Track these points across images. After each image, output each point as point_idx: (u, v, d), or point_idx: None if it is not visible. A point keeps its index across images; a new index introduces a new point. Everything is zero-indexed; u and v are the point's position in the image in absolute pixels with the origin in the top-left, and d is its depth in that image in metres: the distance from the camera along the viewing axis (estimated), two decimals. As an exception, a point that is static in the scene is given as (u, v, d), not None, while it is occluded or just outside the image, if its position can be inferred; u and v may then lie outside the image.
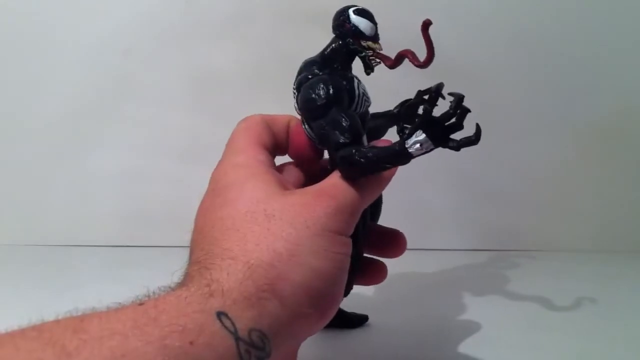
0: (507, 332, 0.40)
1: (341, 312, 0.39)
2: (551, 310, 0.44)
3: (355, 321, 0.40)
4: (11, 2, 0.60)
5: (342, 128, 0.28)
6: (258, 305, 0.24)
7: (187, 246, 0.28)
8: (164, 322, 0.21)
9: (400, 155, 0.26)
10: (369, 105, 0.32)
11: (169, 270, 0.27)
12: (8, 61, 0.61)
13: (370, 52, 0.30)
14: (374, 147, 0.27)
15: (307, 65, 0.31)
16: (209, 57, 0.59)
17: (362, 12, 0.30)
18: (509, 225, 0.63)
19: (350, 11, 0.30)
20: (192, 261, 0.26)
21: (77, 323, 0.21)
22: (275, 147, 0.32)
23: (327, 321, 0.27)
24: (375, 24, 0.30)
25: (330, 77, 0.30)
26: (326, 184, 0.28)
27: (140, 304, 0.22)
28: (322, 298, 0.26)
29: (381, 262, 0.36)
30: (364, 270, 0.34)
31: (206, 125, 0.59)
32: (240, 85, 0.59)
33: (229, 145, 0.31)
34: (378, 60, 0.30)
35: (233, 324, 0.23)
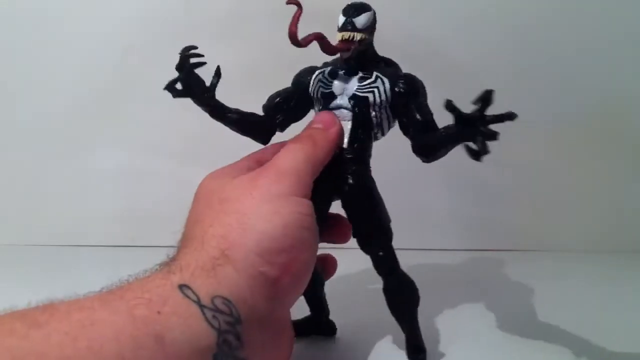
0: (506, 332, 0.40)
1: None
2: (551, 310, 0.44)
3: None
4: (11, 1, 0.60)
5: None
6: (215, 273, 0.25)
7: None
8: (130, 297, 0.23)
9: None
10: (327, 92, 0.34)
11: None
12: (8, 60, 0.61)
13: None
14: None
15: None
16: (208, 56, 0.58)
17: (345, 7, 0.33)
18: (509, 225, 0.63)
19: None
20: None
21: (47, 304, 0.22)
22: None
23: (296, 281, 0.28)
24: (345, 15, 0.32)
25: (308, 67, 0.35)
26: (270, 161, 0.31)
27: (108, 290, 0.24)
28: (275, 256, 0.27)
29: (345, 219, 0.36)
30: (331, 228, 0.35)
31: (206, 125, 0.59)
32: (240, 85, 0.58)
33: None
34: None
35: (195, 293, 0.24)
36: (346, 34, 0.32)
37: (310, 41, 0.31)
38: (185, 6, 0.59)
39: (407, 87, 0.34)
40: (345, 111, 0.33)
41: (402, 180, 0.57)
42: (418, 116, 0.33)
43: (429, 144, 0.33)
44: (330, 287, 0.40)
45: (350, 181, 0.33)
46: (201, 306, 0.24)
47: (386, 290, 0.35)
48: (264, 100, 0.36)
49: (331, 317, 0.40)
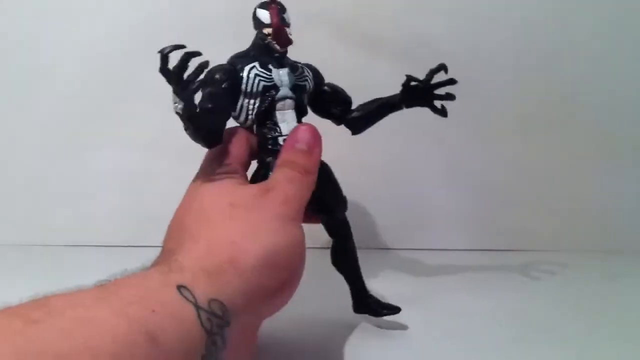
0: (507, 332, 0.40)
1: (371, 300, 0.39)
2: (551, 310, 0.44)
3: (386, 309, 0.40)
4: (11, 2, 0.60)
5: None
6: (217, 278, 0.26)
7: (160, 245, 0.30)
8: (124, 294, 0.23)
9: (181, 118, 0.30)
10: (269, 85, 0.35)
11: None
12: (8, 61, 0.61)
13: (270, 37, 0.35)
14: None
15: (231, 57, 0.36)
16: (209, 57, 0.59)
17: (263, 4, 0.35)
18: (509, 225, 0.63)
19: (256, 6, 0.36)
20: (163, 251, 0.29)
21: (41, 300, 0.22)
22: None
23: (284, 298, 0.30)
24: (274, 11, 0.34)
25: (216, 66, 0.34)
26: (272, 180, 0.32)
27: (102, 285, 0.24)
28: (278, 270, 0.28)
29: None
30: None
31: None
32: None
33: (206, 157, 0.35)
34: (274, 41, 0.35)
35: (192, 294, 0.24)
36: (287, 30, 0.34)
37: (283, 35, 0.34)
38: (185, 6, 0.59)
39: (317, 73, 0.38)
40: (289, 101, 0.35)
41: (404, 180, 0.57)
42: (337, 94, 0.38)
43: (366, 115, 0.38)
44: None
45: None
46: (197, 308, 0.24)
47: (343, 251, 0.39)
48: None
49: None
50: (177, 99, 0.29)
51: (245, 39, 0.60)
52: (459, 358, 0.36)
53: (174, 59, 0.28)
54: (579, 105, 0.61)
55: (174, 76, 0.29)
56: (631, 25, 0.60)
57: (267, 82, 0.35)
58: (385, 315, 0.39)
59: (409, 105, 0.38)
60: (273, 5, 0.35)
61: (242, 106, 0.35)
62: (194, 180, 0.34)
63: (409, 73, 0.37)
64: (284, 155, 0.33)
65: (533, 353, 0.37)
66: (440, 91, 0.37)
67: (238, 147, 0.35)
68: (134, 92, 0.61)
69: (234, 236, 0.28)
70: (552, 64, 0.60)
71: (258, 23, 0.35)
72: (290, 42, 0.35)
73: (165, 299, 0.24)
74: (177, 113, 0.30)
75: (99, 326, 0.21)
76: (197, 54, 0.29)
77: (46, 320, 0.21)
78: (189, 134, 0.32)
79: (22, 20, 0.60)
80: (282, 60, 0.35)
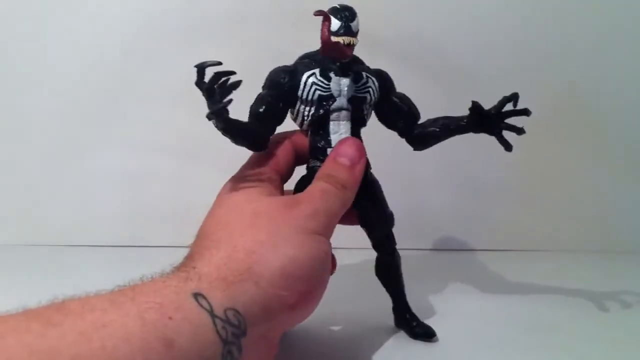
0: (507, 333, 0.40)
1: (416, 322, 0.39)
2: (551, 311, 0.44)
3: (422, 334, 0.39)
4: (11, 2, 0.60)
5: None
6: (234, 286, 0.26)
7: (187, 246, 0.30)
8: (141, 300, 0.23)
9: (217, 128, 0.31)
10: (325, 95, 0.34)
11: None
12: (8, 61, 0.61)
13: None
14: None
15: (300, 56, 0.36)
16: (208, 57, 0.59)
17: (332, 9, 0.33)
18: (509, 225, 0.63)
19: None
20: (187, 255, 0.29)
21: (59, 304, 0.22)
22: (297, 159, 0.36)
23: (305, 311, 0.30)
24: (341, 20, 0.33)
25: (278, 67, 0.34)
26: (305, 192, 0.32)
27: (119, 290, 0.24)
28: (296, 282, 0.28)
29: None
30: None
31: (206, 125, 0.59)
32: (240, 85, 0.59)
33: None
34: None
35: (209, 303, 0.24)
36: (347, 39, 0.33)
37: (336, 48, 0.33)
38: (185, 6, 0.60)
39: (386, 82, 0.36)
40: (345, 112, 0.34)
41: (402, 180, 0.57)
42: (405, 107, 0.36)
43: (431, 133, 0.36)
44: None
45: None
46: (213, 316, 0.24)
47: (387, 266, 0.38)
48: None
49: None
50: (212, 115, 0.29)
51: (245, 39, 0.60)
52: (458, 357, 0.36)
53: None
54: (579, 105, 0.61)
55: (205, 91, 0.29)
56: (631, 26, 0.60)
57: (323, 91, 0.34)
58: (420, 339, 0.38)
59: (476, 131, 0.36)
60: (322, 14, 0.33)
61: (298, 111, 0.35)
62: (225, 186, 0.33)
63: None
64: (324, 168, 0.33)
65: (532, 353, 0.37)
66: (511, 121, 0.35)
67: (279, 155, 0.34)
68: (134, 92, 0.61)
69: (254, 245, 0.28)
70: (552, 64, 0.60)
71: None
72: (344, 56, 0.33)
73: (181, 306, 0.24)
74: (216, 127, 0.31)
75: (116, 330, 0.21)
76: (230, 73, 0.29)
77: (64, 323, 0.21)
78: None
79: (22, 21, 0.60)
80: (346, 68, 0.34)
